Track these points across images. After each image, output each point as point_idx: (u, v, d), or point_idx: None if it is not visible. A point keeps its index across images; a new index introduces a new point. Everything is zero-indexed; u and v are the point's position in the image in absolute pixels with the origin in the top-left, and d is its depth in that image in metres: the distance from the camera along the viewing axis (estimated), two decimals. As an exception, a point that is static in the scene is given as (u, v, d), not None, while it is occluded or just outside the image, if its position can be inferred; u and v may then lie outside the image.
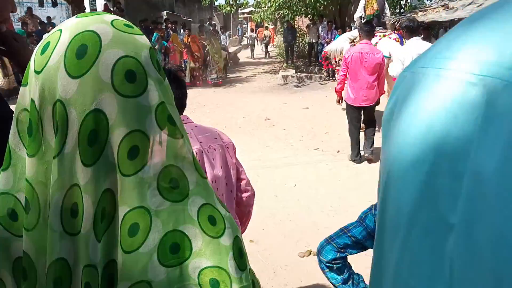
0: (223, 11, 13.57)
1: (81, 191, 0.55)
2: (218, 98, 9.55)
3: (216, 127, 1.71)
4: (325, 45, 12.41)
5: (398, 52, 4.64)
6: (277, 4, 11.22)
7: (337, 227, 1.55)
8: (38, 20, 13.52)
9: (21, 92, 0.59)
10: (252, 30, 21.37)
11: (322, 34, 12.82)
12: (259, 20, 12.64)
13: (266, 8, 11.64)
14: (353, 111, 4.79)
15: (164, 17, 16.23)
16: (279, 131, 6.59)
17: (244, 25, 27.75)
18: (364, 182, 4.33)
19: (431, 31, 9.56)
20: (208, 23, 15.53)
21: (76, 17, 0.58)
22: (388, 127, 0.49)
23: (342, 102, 5.10)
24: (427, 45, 4.59)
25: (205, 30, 14.26)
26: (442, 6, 9.76)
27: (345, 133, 6.00)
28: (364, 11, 6.81)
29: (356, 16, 7.39)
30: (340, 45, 7.09)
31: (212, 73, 11.44)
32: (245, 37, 23.58)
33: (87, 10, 17.85)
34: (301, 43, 15.29)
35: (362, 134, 5.04)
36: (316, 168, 4.89)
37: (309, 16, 13.67)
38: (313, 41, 13.19)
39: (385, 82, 5.20)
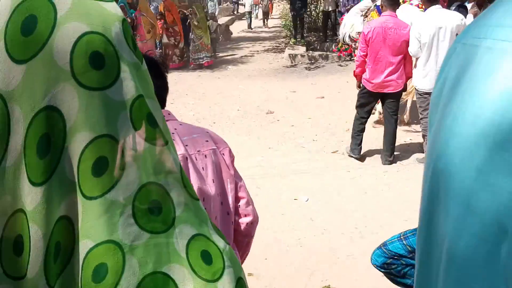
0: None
1: (27, 219, 0.52)
2: (205, 84, 9.53)
3: (202, 124, 1.69)
4: (346, 14, 12.42)
5: (413, 25, 4.84)
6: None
7: (364, 255, 1.56)
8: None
9: None
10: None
11: (341, 0, 12.82)
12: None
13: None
14: (368, 98, 5.06)
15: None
16: (286, 128, 6.59)
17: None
18: (398, 195, 4.34)
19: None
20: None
21: None
22: (436, 113, 0.51)
23: (360, 87, 5.30)
24: (450, 15, 4.83)
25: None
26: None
27: (372, 130, 6.01)
28: None
29: None
30: (350, 21, 7.24)
31: (195, 52, 11.40)
32: (241, 3, 23.56)
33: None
34: (313, 12, 15.26)
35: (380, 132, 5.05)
36: (335, 177, 4.90)
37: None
38: (330, 9, 13.17)
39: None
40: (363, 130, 5.21)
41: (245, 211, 1.61)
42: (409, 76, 5.03)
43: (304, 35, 14.09)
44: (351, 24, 7.12)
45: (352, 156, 5.30)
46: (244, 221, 1.61)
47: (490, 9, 0.48)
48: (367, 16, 6.55)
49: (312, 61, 11.52)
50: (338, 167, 5.14)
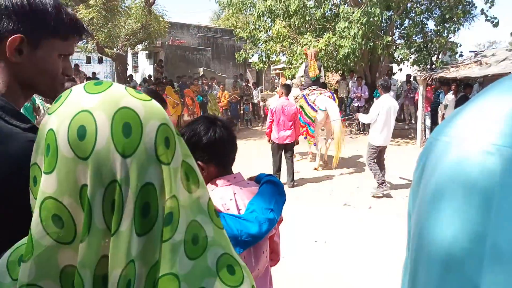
0: (256, 68, 14.06)
1: (134, 263, 0.55)
2: (248, 150, 9.62)
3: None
4: (355, 99, 12.53)
5: (375, 104, 5.92)
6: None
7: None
8: (84, 76, 14.48)
9: (46, 180, 0.56)
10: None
11: (352, 89, 12.97)
12: (290, 76, 12.96)
13: (298, 64, 11.96)
14: (278, 148, 6.36)
15: (201, 73, 17.02)
16: (308, 184, 6.50)
17: (276, 81, 28.52)
18: (400, 240, 4.11)
19: (465, 87, 9.44)
20: (240, 79, 16.14)
21: (86, 91, 0.57)
22: (418, 184, 0.54)
23: (270, 142, 6.52)
24: (394, 100, 5.96)
25: (238, 85, 14.78)
26: (475, 62, 9.71)
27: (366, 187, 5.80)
28: (308, 73, 8.04)
29: (297, 76, 9.01)
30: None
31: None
32: (276, 91, 24.12)
33: (130, 66, 19.03)
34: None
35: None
36: (348, 224, 4.73)
37: (339, 72, 13.92)
38: (343, 96, 13.33)
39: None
40: (280, 168, 6.39)
41: (275, 257, 1.63)
42: (298, 135, 6.55)
43: (353, 118, 14.17)
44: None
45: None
46: (273, 262, 1.64)
47: (456, 113, 0.52)
48: (296, 99, 7.69)
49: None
50: (348, 216, 4.97)
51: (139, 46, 18.17)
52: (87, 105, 0.56)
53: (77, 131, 0.54)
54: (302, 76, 8.50)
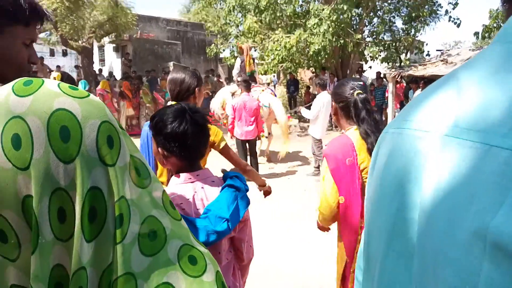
0: (228, 63, 13.99)
1: (86, 272, 0.54)
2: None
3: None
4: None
5: (316, 101, 6.52)
6: (280, 57, 11.54)
7: None
8: (48, 70, 13.96)
9: None
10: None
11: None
12: (262, 72, 12.98)
13: (270, 60, 11.98)
14: (240, 144, 6.45)
15: (171, 68, 16.76)
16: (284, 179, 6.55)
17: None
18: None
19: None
20: (212, 74, 16.02)
21: (15, 93, 0.53)
22: (372, 173, 0.63)
23: (233, 138, 6.68)
24: (329, 97, 6.30)
25: (210, 81, 14.67)
26: (441, 60, 10.05)
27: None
28: (244, 69, 8.36)
29: (234, 73, 9.21)
30: (222, 97, 8.12)
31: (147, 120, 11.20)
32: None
33: (96, 60, 18.50)
34: (303, 94, 15.60)
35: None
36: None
37: (311, 68, 14.06)
38: (316, 93, 13.49)
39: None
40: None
41: (240, 256, 1.54)
42: (261, 131, 6.71)
43: (297, 111, 14.33)
44: (222, 99, 7.99)
45: None
46: (240, 261, 1.56)
47: (404, 109, 0.59)
48: (233, 95, 7.77)
49: (303, 130, 11.63)
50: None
51: (106, 39, 17.69)
52: (18, 110, 0.52)
53: (11, 140, 0.51)
54: (239, 74, 8.37)
